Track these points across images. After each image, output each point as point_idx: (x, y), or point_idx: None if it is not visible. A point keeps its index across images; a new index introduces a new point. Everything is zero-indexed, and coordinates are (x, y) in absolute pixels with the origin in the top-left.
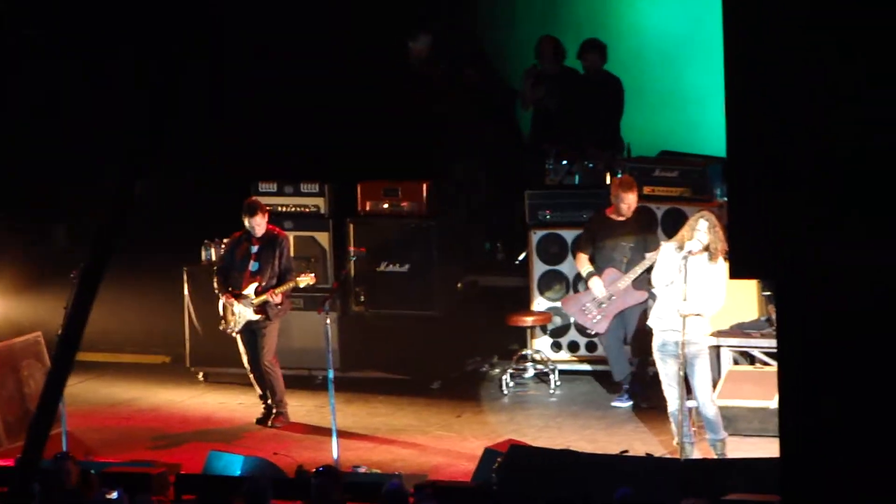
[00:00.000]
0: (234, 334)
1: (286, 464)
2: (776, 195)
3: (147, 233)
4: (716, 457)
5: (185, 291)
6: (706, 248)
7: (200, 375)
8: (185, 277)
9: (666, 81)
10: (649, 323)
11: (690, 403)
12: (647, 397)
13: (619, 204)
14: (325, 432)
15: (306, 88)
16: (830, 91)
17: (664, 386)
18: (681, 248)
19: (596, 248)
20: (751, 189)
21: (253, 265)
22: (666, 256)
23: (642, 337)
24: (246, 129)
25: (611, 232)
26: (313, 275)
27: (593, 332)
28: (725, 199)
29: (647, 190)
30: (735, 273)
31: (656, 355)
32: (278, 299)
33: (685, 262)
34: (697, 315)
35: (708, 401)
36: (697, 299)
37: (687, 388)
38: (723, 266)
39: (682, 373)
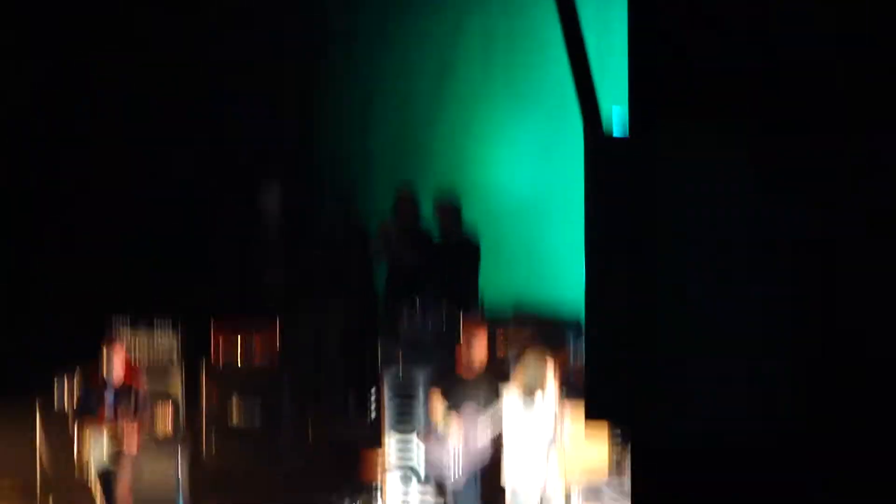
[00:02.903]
0: (89, 481)
1: None
2: (630, 352)
3: None
4: None
5: (38, 423)
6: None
7: None
8: (37, 410)
9: (521, 238)
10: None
11: None
12: None
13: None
14: None
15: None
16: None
17: None
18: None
19: (451, 390)
20: (607, 346)
21: (108, 401)
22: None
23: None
24: (98, 260)
25: (465, 376)
26: (170, 412)
27: (452, 477)
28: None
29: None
30: (590, 414)
31: None
32: (133, 446)
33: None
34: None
35: None
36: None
37: None
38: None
39: None
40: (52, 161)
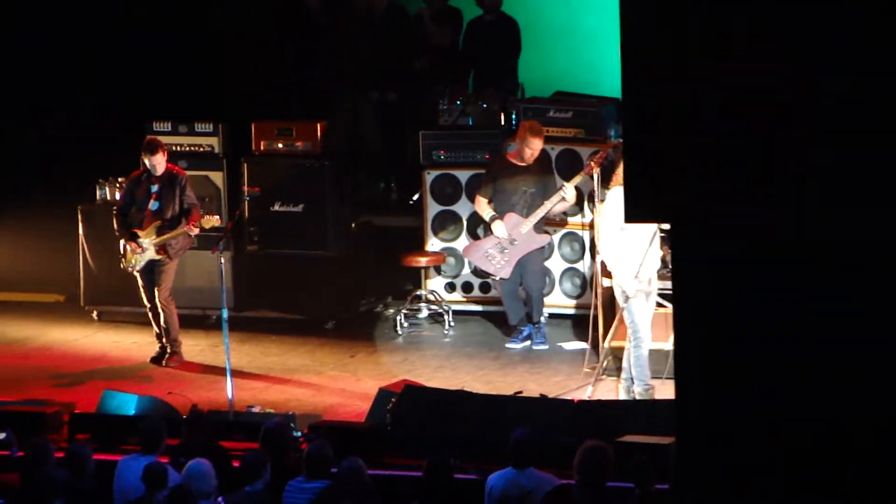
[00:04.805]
0: (134, 272)
1: (180, 403)
2: (672, 138)
3: (40, 172)
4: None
5: (80, 231)
6: None
7: (95, 314)
8: (79, 217)
9: (560, 21)
10: (614, 268)
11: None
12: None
13: (524, 149)
14: (220, 372)
15: (198, 27)
16: (730, 36)
17: (646, 326)
18: None
19: (496, 192)
20: (646, 132)
21: (153, 204)
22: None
23: (540, 279)
24: (139, 67)
25: (512, 176)
26: (217, 217)
27: (497, 278)
28: (620, 139)
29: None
30: (630, 216)
31: (637, 296)
32: (196, 231)
33: None
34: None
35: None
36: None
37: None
38: None
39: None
40: None
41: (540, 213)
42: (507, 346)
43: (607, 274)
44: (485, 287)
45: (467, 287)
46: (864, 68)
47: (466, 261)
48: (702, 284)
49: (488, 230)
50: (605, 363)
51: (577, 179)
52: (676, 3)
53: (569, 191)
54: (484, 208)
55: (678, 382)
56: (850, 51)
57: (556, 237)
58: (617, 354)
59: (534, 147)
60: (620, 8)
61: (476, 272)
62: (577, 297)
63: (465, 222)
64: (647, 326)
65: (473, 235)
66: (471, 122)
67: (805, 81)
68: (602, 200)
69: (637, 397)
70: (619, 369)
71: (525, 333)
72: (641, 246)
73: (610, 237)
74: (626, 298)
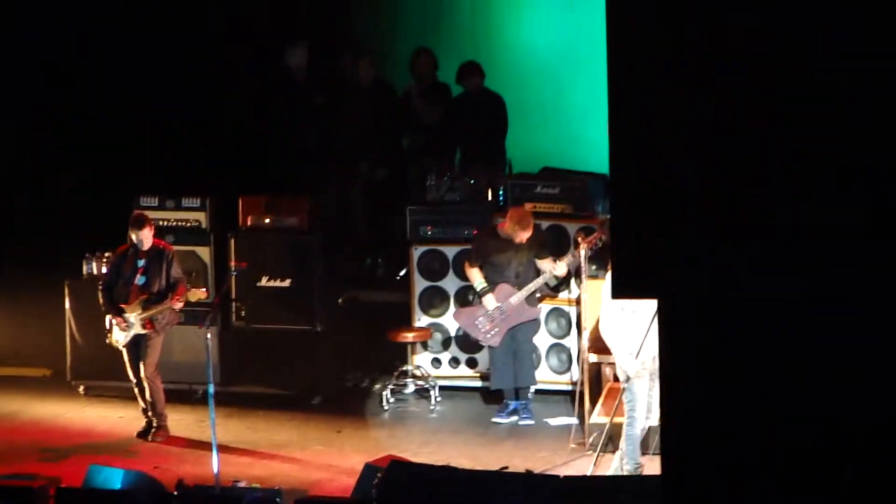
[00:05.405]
0: (121, 347)
1: (166, 478)
2: (659, 213)
3: (26, 246)
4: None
5: (67, 305)
6: None
7: (81, 389)
8: (66, 291)
9: (548, 97)
10: (614, 349)
11: (651, 422)
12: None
13: (515, 236)
14: (206, 446)
15: (186, 103)
16: (718, 110)
17: (641, 405)
18: None
19: (486, 263)
20: (634, 206)
21: (140, 279)
22: None
23: (530, 350)
24: (126, 142)
25: (505, 250)
26: (205, 290)
27: (486, 346)
28: (608, 215)
29: (528, 206)
30: (617, 292)
31: (640, 375)
32: (181, 305)
33: None
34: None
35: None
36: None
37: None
38: None
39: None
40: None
41: (532, 286)
42: (494, 420)
43: (594, 349)
44: (472, 362)
45: (454, 362)
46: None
47: (454, 330)
48: (693, 362)
49: (479, 299)
50: (591, 439)
51: (568, 258)
52: (667, 75)
53: (560, 268)
54: (476, 277)
55: (664, 458)
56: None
57: (543, 313)
58: (602, 430)
59: (522, 238)
60: (609, 82)
61: (463, 340)
62: (562, 373)
63: (451, 298)
64: (643, 407)
65: (463, 305)
66: (458, 199)
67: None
68: (591, 276)
69: (629, 472)
70: (606, 444)
71: (511, 408)
72: (643, 326)
73: (610, 318)
74: (627, 378)
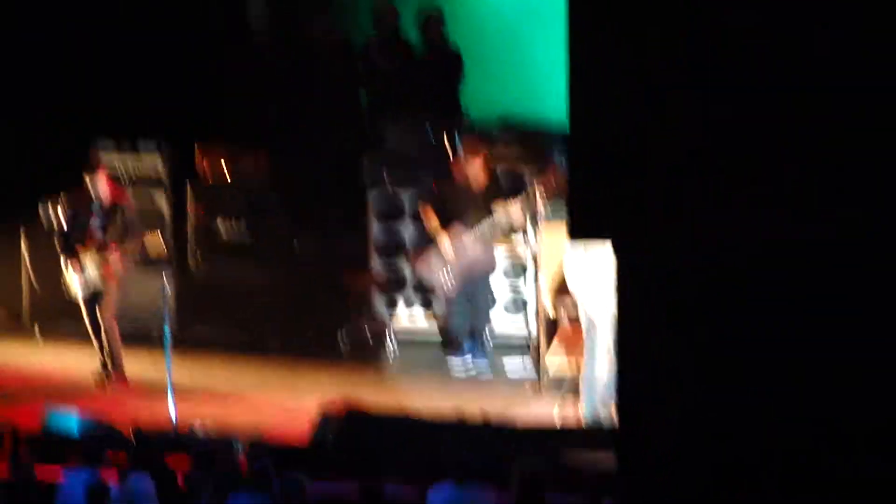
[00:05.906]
0: (79, 300)
1: (124, 423)
2: (616, 166)
3: None
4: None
5: (23, 248)
6: None
7: (37, 331)
8: (22, 235)
9: (507, 51)
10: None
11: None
12: None
13: (471, 181)
14: (162, 390)
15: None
16: (674, 67)
17: (601, 350)
18: None
19: (443, 208)
20: (591, 158)
21: (95, 222)
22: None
23: (487, 293)
24: (85, 84)
25: (460, 193)
26: (161, 238)
27: (444, 290)
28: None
29: (484, 153)
30: (574, 233)
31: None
32: (138, 251)
33: None
34: None
35: None
36: None
37: None
38: None
39: None
40: None
41: (484, 227)
42: (449, 361)
43: (552, 292)
44: (428, 303)
45: (410, 303)
46: None
47: (411, 276)
48: (646, 303)
49: (436, 242)
50: (544, 380)
51: (522, 200)
52: (627, 31)
53: (514, 210)
54: (432, 220)
55: (619, 403)
56: None
57: (499, 257)
58: (556, 372)
59: (478, 183)
60: (568, 36)
61: (419, 284)
62: (517, 314)
63: (408, 242)
64: (603, 352)
65: (420, 249)
66: (415, 149)
67: None
68: (547, 220)
69: (585, 417)
70: (558, 387)
71: (466, 349)
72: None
73: (573, 262)
74: (590, 323)
